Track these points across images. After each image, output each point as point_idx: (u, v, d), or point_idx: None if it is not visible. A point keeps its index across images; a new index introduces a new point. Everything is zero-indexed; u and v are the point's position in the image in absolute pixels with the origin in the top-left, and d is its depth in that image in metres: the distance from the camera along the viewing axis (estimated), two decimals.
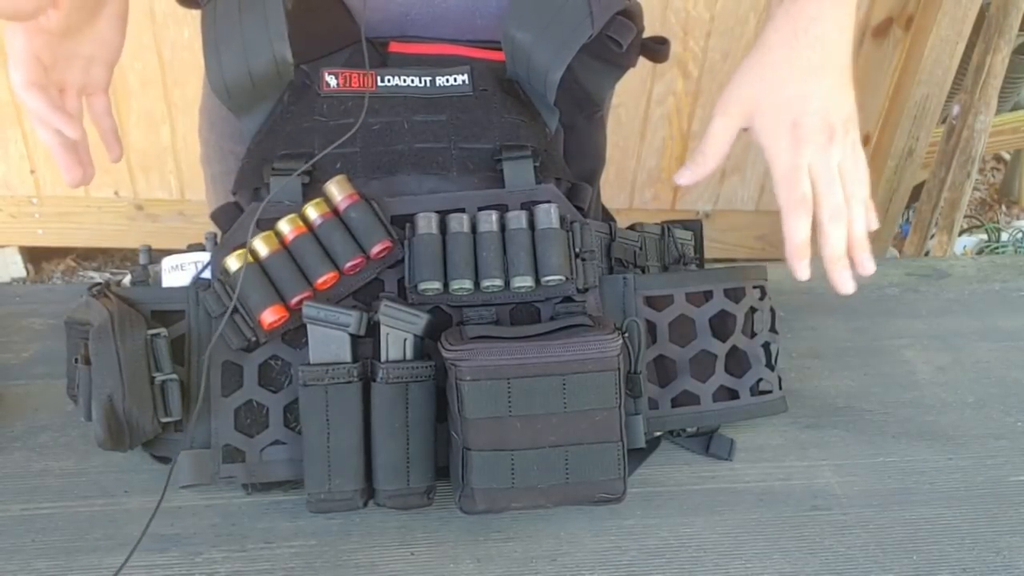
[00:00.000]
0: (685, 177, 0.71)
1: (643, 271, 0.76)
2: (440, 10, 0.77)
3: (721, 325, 0.75)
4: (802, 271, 0.69)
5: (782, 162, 0.69)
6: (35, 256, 2.20)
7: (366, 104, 0.71)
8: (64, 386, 0.71)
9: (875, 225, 0.71)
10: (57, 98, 0.73)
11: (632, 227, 0.78)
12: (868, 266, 0.70)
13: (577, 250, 0.69)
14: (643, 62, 0.77)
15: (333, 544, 0.67)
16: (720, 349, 0.74)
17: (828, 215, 0.69)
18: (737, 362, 0.75)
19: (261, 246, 0.66)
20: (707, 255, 0.83)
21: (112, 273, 2.25)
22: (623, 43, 0.72)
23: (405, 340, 0.65)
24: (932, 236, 2.06)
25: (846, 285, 0.70)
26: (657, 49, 0.76)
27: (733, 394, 0.75)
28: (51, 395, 0.77)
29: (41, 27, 0.70)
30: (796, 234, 0.68)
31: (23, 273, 2.17)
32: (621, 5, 0.72)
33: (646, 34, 0.77)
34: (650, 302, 0.73)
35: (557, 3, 0.71)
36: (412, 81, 0.73)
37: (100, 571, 0.64)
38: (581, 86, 0.76)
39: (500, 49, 0.74)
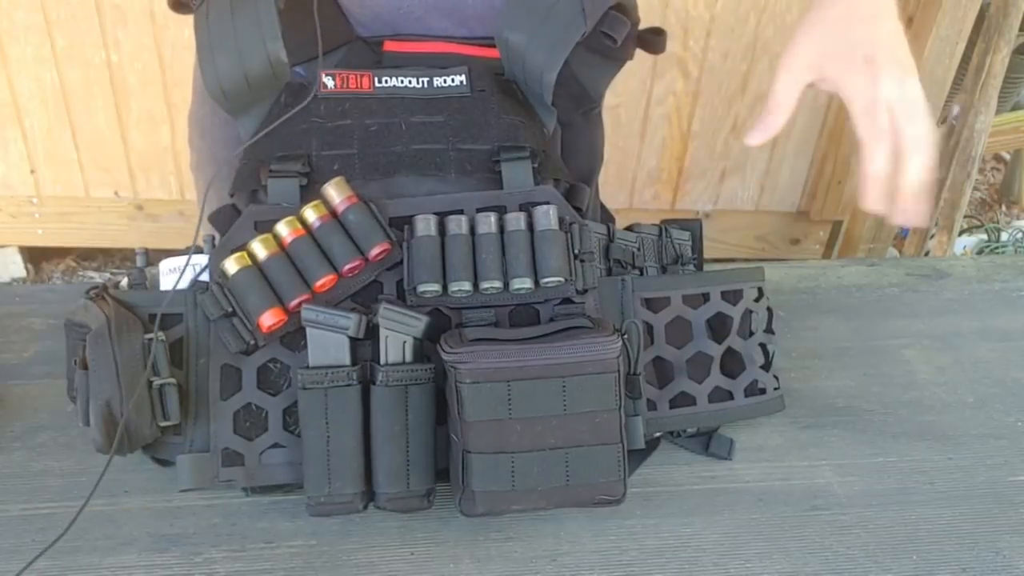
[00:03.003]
0: (756, 137, 0.68)
1: (641, 272, 0.76)
2: (432, 1, 0.77)
3: (718, 327, 0.75)
4: (873, 200, 0.66)
5: (861, 96, 0.66)
6: (35, 256, 2.20)
7: (355, 107, 0.70)
8: (64, 386, 0.71)
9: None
10: None
11: (630, 228, 0.78)
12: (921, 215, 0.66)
13: (576, 251, 0.68)
14: (642, 61, 0.77)
15: (333, 544, 0.67)
16: (716, 351, 0.74)
17: (911, 145, 0.65)
18: (732, 363, 0.76)
19: (259, 248, 0.66)
20: (707, 255, 0.83)
21: (112, 273, 2.25)
22: (617, 38, 0.72)
23: (404, 342, 0.65)
24: (932, 236, 2.06)
25: (919, 217, 0.66)
26: (654, 41, 0.76)
27: (728, 395, 0.75)
28: (51, 395, 0.77)
29: None
30: (875, 162, 0.65)
31: (23, 273, 2.17)
32: (613, 0, 0.72)
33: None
34: (647, 304, 0.73)
35: (549, 2, 0.71)
36: (410, 82, 0.73)
37: (100, 571, 0.64)
38: (578, 82, 0.76)
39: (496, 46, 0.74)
